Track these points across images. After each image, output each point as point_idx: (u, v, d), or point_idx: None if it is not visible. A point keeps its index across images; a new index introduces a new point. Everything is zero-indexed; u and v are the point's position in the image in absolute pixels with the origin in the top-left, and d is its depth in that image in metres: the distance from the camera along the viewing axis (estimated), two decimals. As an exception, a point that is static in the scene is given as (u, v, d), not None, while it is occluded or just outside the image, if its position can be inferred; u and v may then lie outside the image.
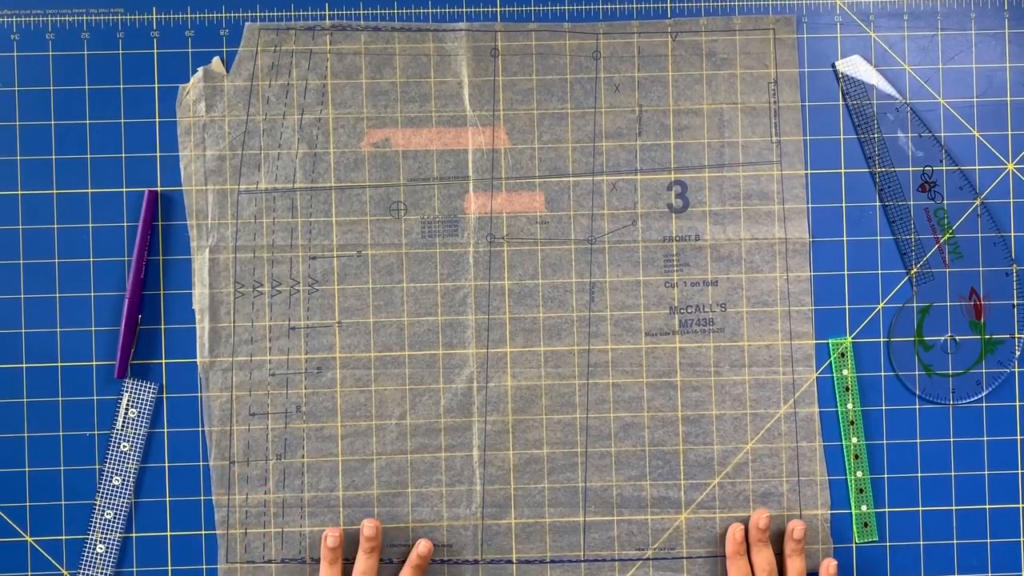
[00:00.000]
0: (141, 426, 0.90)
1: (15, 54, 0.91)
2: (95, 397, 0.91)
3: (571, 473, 0.91)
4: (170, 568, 0.91)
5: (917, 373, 0.93)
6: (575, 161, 0.92)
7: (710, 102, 0.92)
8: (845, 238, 0.92)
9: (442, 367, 0.91)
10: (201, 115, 0.91)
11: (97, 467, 0.91)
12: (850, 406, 0.92)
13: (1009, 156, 0.93)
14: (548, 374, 0.91)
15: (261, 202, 0.91)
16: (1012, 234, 0.93)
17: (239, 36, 0.91)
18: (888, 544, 0.93)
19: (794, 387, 0.92)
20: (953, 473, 0.93)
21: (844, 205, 0.93)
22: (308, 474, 0.91)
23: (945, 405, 0.93)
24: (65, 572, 0.90)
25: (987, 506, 0.93)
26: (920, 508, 0.93)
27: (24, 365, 0.90)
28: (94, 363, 0.91)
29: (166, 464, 0.91)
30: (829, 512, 0.92)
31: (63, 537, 0.91)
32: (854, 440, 0.92)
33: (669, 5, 0.93)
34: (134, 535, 0.91)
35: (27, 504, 0.90)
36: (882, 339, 0.93)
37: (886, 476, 0.92)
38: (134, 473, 0.90)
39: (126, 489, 0.90)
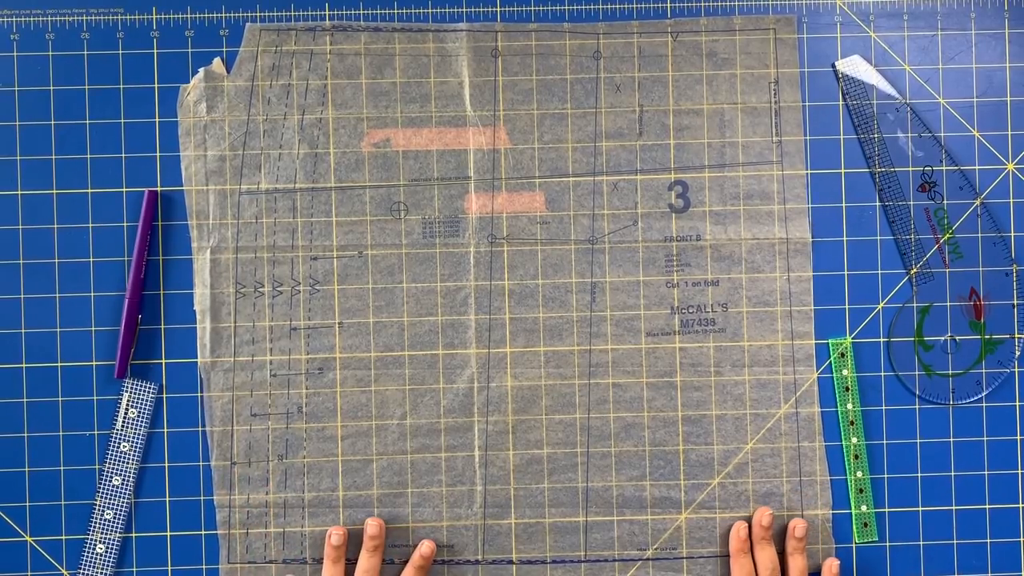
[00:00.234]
0: (141, 426, 0.90)
1: (15, 54, 0.91)
2: (95, 397, 0.91)
3: (572, 473, 0.91)
4: (170, 568, 0.91)
5: (917, 373, 0.93)
6: (576, 161, 0.92)
7: (711, 102, 0.92)
8: (845, 238, 0.93)
9: (443, 367, 0.91)
10: (202, 116, 0.90)
11: (97, 467, 0.91)
12: (850, 406, 0.92)
13: (1009, 156, 0.93)
14: (549, 374, 0.91)
15: (262, 203, 0.91)
16: (1012, 234, 0.93)
17: (239, 36, 0.91)
18: (888, 544, 0.93)
19: (795, 387, 0.92)
20: (953, 473, 0.93)
21: (844, 205, 0.93)
22: (309, 474, 0.91)
23: (945, 405, 0.93)
24: (65, 572, 0.90)
25: (987, 506, 0.93)
26: (920, 508, 0.93)
27: (24, 365, 0.90)
28: (94, 363, 0.91)
29: (166, 464, 0.91)
30: (830, 512, 0.92)
31: (63, 537, 0.91)
32: (854, 440, 0.92)
33: (669, 5, 0.93)
34: (134, 535, 0.91)
35: (27, 504, 0.90)
36: (882, 339, 0.93)
37: (886, 476, 0.92)
38: (134, 473, 0.90)
39: (126, 489, 0.90)
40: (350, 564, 0.89)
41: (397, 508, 0.91)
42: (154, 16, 0.91)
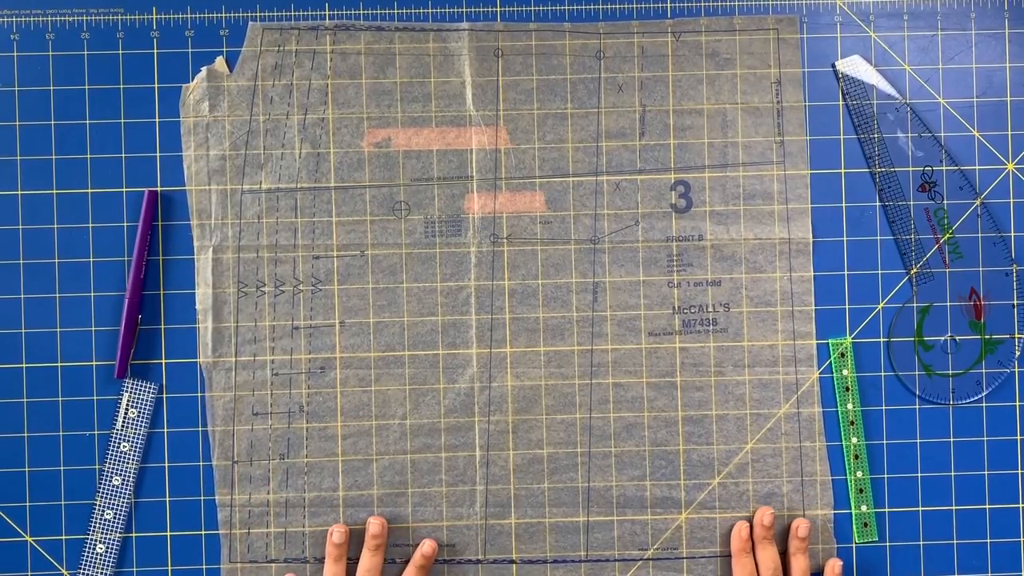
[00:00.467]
0: (141, 426, 0.90)
1: (15, 54, 0.91)
2: (95, 397, 0.90)
3: (573, 473, 0.91)
4: (170, 568, 0.91)
5: (917, 373, 0.93)
6: (577, 161, 0.92)
7: (713, 102, 0.92)
8: (845, 238, 0.93)
9: (444, 367, 0.91)
10: (204, 115, 0.90)
11: (97, 467, 0.91)
12: (850, 406, 0.92)
13: (1009, 156, 0.93)
14: (550, 374, 0.91)
15: (264, 202, 0.91)
16: (1012, 234, 0.93)
17: (239, 36, 0.91)
18: (888, 544, 0.93)
19: (796, 387, 0.92)
20: (953, 473, 0.93)
21: (844, 205, 0.93)
22: (310, 474, 0.91)
23: (945, 405, 0.93)
24: (65, 572, 0.90)
25: (987, 506, 0.93)
26: (920, 508, 0.93)
27: (24, 365, 0.90)
28: (94, 363, 0.91)
29: (166, 464, 0.91)
30: (831, 512, 0.92)
31: (63, 537, 0.90)
32: (854, 440, 0.92)
33: (669, 5, 0.93)
34: (134, 535, 0.91)
35: (27, 504, 0.90)
36: (882, 339, 0.93)
37: (886, 476, 0.93)
38: (134, 473, 0.90)
39: (126, 489, 0.90)
40: (351, 563, 0.89)
41: (398, 508, 0.91)
42: (154, 16, 0.91)
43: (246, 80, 0.91)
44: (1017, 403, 0.93)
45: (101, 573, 0.90)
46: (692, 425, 0.91)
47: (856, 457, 0.92)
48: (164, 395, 0.91)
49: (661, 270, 0.92)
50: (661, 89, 0.92)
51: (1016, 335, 0.93)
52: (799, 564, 0.89)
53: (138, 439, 0.90)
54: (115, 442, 0.90)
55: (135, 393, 0.90)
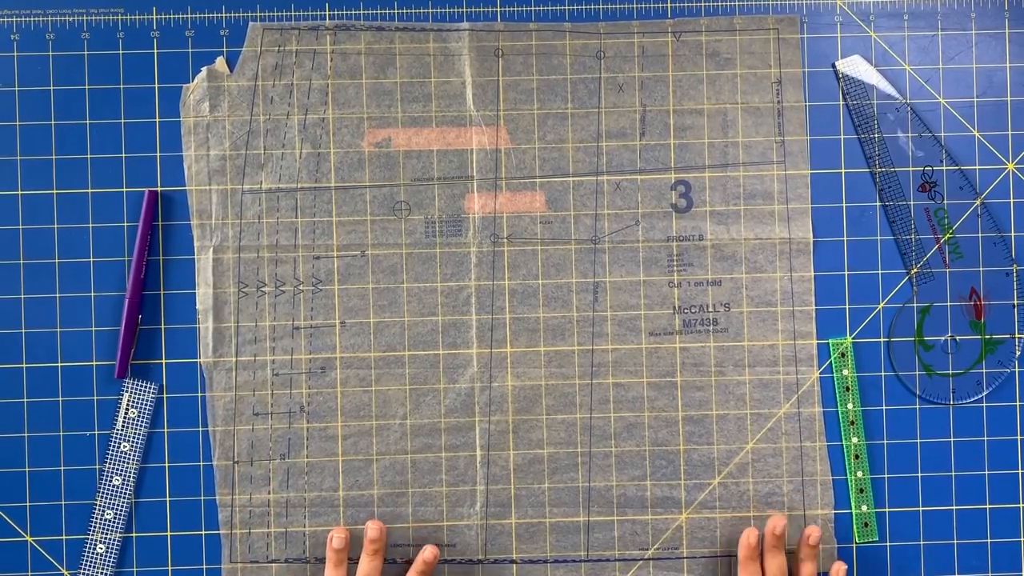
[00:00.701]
0: (141, 426, 0.90)
1: (15, 54, 0.91)
2: (95, 397, 0.90)
3: (573, 473, 0.91)
4: (170, 568, 0.91)
5: (917, 373, 0.93)
6: (578, 161, 0.92)
7: (713, 102, 0.92)
8: (845, 238, 0.93)
9: (445, 367, 0.91)
10: (205, 115, 0.90)
11: (97, 467, 0.90)
12: (850, 406, 0.92)
13: (1009, 156, 0.93)
14: (551, 374, 0.91)
15: (264, 202, 0.91)
16: (1012, 234, 0.93)
17: (239, 36, 0.91)
18: (888, 544, 0.93)
19: (797, 387, 0.92)
20: (953, 473, 0.93)
21: (844, 205, 0.93)
22: (311, 474, 0.91)
23: (945, 405, 0.93)
24: (65, 572, 0.90)
25: (987, 506, 0.93)
26: (920, 508, 0.93)
27: (24, 365, 0.90)
28: (94, 363, 0.90)
29: (166, 464, 0.91)
30: (832, 512, 0.92)
31: (63, 537, 0.90)
32: (854, 440, 0.92)
33: (669, 5, 0.93)
34: (134, 535, 0.91)
35: (27, 504, 0.90)
36: (882, 339, 0.93)
37: (886, 476, 0.93)
38: (134, 473, 0.90)
39: (126, 489, 0.90)
40: (352, 563, 0.89)
41: (398, 508, 0.91)
42: (154, 16, 0.91)
43: (246, 80, 0.91)
44: (1017, 403, 0.93)
45: (101, 573, 0.90)
46: (692, 425, 0.92)
47: (856, 457, 0.92)
48: (164, 395, 0.91)
49: (661, 270, 0.92)
50: (661, 89, 0.92)
51: (1016, 335, 0.93)
52: (807, 571, 0.88)
53: (138, 439, 0.90)
54: (115, 442, 0.90)
55: (135, 393, 0.90)
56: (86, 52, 0.91)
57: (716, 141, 0.92)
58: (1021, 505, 0.93)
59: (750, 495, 0.92)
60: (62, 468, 0.90)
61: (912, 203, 0.93)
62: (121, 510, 0.90)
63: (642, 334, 0.92)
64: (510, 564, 0.91)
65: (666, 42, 0.92)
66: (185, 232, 0.91)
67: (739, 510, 0.92)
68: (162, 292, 0.91)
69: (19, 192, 0.90)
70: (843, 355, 0.92)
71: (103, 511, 0.90)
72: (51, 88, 0.91)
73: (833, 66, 0.93)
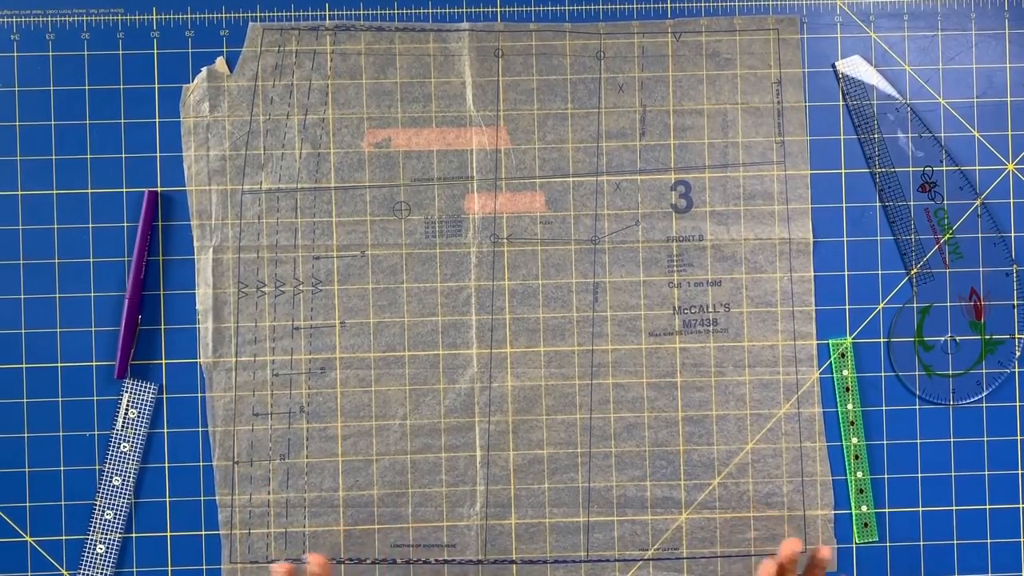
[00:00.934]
0: (141, 426, 0.90)
1: (15, 54, 0.91)
2: (95, 397, 0.90)
3: (573, 473, 0.91)
4: (170, 568, 0.91)
5: (917, 373, 0.93)
6: (578, 161, 0.92)
7: (713, 102, 0.92)
8: (845, 238, 0.93)
9: (444, 367, 0.91)
10: (205, 115, 0.90)
11: (97, 467, 0.90)
12: (850, 406, 0.92)
13: (1009, 156, 0.93)
14: (551, 374, 0.91)
15: (264, 202, 0.91)
16: (1012, 234, 0.93)
17: (239, 36, 0.91)
18: (888, 544, 0.93)
19: (797, 387, 0.92)
20: (953, 473, 0.93)
21: (844, 205, 0.93)
22: (311, 474, 0.91)
23: (945, 405, 0.93)
24: (65, 572, 0.90)
25: (987, 506, 0.93)
26: (920, 508, 0.93)
27: (24, 365, 0.90)
28: (94, 363, 0.90)
29: (166, 464, 0.91)
30: (832, 512, 0.92)
31: (63, 537, 0.90)
32: (854, 440, 0.92)
33: (669, 5, 0.93)
34: (134, 535, 0.91)
35: (27, 504, 0.90)
36: (882, 339, 0.93)
37: (886, 476, 0.92)
38: (134, 473, 0.90)
39: (126, 489, 0.90)
40: (351, 563, 0.89)
41: (398, 508, 0.91)
42: (154, 16, 0.91)
43: (246, 80, 0.91)
44: (1017, 403, 0.93)
45: (101, 573, 0.90)
46: (692, 425, 0.91)
47: (856, 457, 0.92)
48: (164, 395, 0.91)
49: (661, 270, 0.92)
50: (661, 89, 0.92)
51: (1016, 335, 0.93)
52: None
53: (138, 439, 0.90)
54: (115, 442, 0.90)
55: (135, 393, 0.90)
56: (86, 52, 0.91)
57: (716, 141, 0.92)
58: (1021, 505, 0.93)
59: (750, 495, 0.92)
60: (62, 468, 0.90)
61: (912, 203, 0.93)
62: (121, 510, 0.90)
63: (642, 334, 0.92)
64: (510, 564, 0.91)
65: (666, 42, 0.92)
66: (185, 232, 0.91)
67: (739, 510, 0.92)
68: (162, 292, 0.91)
69: (19, 192, 0.90)
70: (843, 355, 0.92)
71: (103, 511, 0.90)
72: (51, 88, 0.91)
73: (833, 66, 0.93)
